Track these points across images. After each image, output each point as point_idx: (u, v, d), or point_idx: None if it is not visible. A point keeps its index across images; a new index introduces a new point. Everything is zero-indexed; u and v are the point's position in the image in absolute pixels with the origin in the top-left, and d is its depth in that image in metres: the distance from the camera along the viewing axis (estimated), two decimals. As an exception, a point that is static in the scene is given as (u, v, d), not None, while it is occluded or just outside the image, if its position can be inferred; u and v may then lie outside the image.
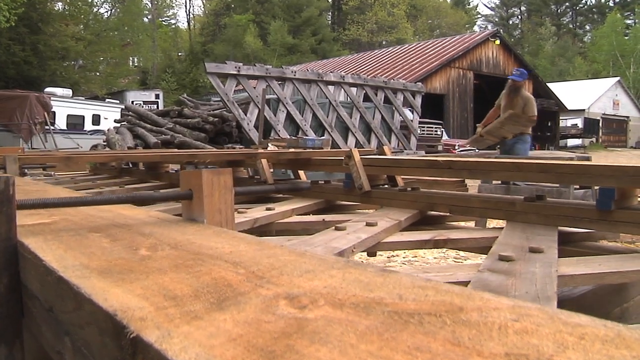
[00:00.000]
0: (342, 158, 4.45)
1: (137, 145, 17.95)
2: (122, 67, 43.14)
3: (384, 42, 65.15)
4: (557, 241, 2.60)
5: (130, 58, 51.75)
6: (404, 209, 3.61)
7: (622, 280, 2.26)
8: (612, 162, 23.43)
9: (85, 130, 23.99)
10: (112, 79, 40.60)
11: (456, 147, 23.78)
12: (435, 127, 23.94)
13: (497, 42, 35.23)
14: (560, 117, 40.86)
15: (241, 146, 16.42)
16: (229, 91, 16.05)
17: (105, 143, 19.10)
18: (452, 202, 3.42)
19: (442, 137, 24.31)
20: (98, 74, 39.84)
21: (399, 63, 35.35)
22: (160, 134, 18.52)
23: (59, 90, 24.39)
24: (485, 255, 3.79)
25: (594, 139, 43.95)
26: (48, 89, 24.46)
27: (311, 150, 5.09)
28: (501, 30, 62.27)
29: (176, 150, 8.15)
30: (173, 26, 70.55)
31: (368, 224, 2.99)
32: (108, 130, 19.80)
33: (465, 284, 2.02)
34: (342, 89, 18.99)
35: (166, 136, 18.20)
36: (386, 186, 4.13)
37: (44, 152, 5.72)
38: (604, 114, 47.32)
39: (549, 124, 40.21)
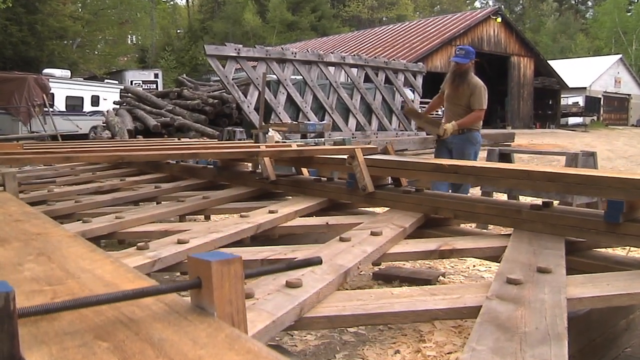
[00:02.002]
0: (346, 156, 4.42)
1: (137, 127, 17.88)
2: (120, 45, 42.80)
3: (384, 19, 64.60)
4: (564, 256, 2.57)
5: (129, 36, 51.35)
6: (408, 212, 3.57)
7: (630, 302, 2.24)
8: (612, 141, 23.23)
9: (84, 112, 23.84)
10: (111, 57, 40.33)
11: (457, 127, 23.64)
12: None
13: (499, 20, 34.88)
14: (562, 95, 40.69)
15: (241, 129, 16.32)
16: (229, 73, 15.91)
17: (104, 125, 19.03)
18: (457, 206, 3.39)
19: (443, 117, 24.17)
20: (97, 52, 39.57)
21: (400, 41, 35.07)
22: (159, 116, 18.44)
23: (57, 72, 24.19)
24: (489, 262, 3.77)
25: (595, 117, 43.75)
26: (46, 70, 24.26)
27: (314, 148, 5.03)
28: (502, 6, 61.70)
29: (176, 141, 8.07)
30: (171, 3, 69.99)
31: (373, 233, 2.96)
32: (107, 112, 19.69)
33: (475, 309, 2.00)
34: (343, 70, 18.84)
35: (166, 118, 18.13)
36: (390, 186, 4.09)
37: (44, 148, 5.66)
38: (605, 92, 47.06)
39: (550, 103, 40.04)
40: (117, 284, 1.04)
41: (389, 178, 4.18)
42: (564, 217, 2.88)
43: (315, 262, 1.30)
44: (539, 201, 3.18)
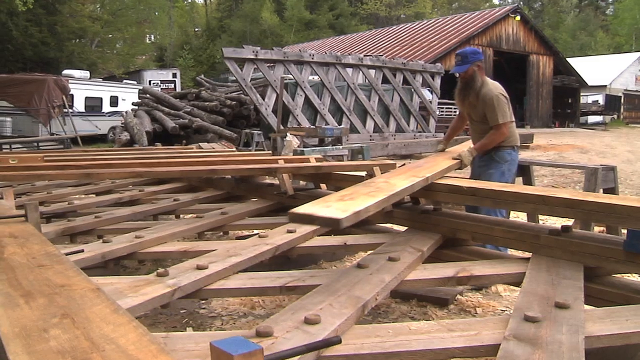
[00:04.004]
0: (364, 174, 4.43)
1: (156, 129, 17.99)
2: (138, 45, 43.02)
3: (402, 16, 64.40)
4: (582, 287, 2.56)
5: (147, 35, 51.59)
6: (426, 233, 3.58)
7: (650, 340, 2.22)
8: (632, 141, 22.89)
9: (103, 112, 24.08)
10: (129, 57, 40.59)
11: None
12: (455, 108, 23.68)
13: (518, 18, 34.60)
14: (581, 94, 40.33)
15: (259, 132, 16.40)
16: (247, 76, 15.96)
17: (123, 125, 19.19)
18: (475, 229, 3.39)
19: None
20: (115, 52, 39.84)
21: (418, 40, 34.94)
22: (178, 118, 18.54)
23: (76, 73, 24.42)
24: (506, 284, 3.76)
25: (615, 116, 43.36)
26: (66, 71, 24.49)
27: (332, 164, 5.05)
28: (521, 3, 61.19)
29: (194, 150, 8.13)
30: (189, 1, 70.20)
31: (390, 259, 2.97)
32: (126, 113, 19.85)
33: (492, 348, 2.00)
34: (361, 72, 18.81)
35: (184, 120, 18.22)
36: (408, 204, 4.09)
37: (64, 160, 5.72)
38: (625, 90, 46.54)
39: (569, 101, 39.72)
40: (141, 359, 1.06)
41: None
42: (582, 245, 2.86)
43: (335, 342, 1.32)
44: (557, 223, 3.17)
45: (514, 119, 5.00)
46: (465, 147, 5.14)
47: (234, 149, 13.58)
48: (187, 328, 3.56)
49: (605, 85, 44.37)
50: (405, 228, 3.87)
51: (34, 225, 2.41)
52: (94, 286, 1.53)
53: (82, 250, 3.02)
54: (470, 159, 4.75)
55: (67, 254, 2.92)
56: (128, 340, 1.16)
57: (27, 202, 2.50)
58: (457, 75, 5.09)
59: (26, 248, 2.00)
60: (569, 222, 3.86)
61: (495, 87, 4.93)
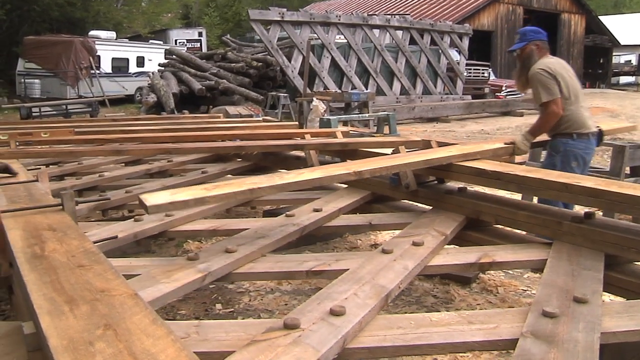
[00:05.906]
0: (389, 152, 4.47)
1: (182, 91, 18.06)
2: (164, 3, 42.81)
3: (430, -28, 63.21)
4: (602, 279, 2.61)
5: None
6: (450, 214, 3.63)
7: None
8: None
9: (129, 73, 24.15)
10: (155, 15, 40.42)
11: (503, 88, 23.22)
12: (482, 69, 23.35)
13: (549, -26, 33.86)
14: (613, 54, 39.40)
15: (285, 94, 16.39)
16: (273, 38, 15.92)
17: (149, 86, 19.28)
18: (499, 212, 3.43)
19: (489, 78, 23.73)
20: (141, 10, 39.67)
21: (446, -2, 34.38)
22: (204, 79, 18.59)
23: (103, 33, 24.42)
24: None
25: (648, 76, 42.46)
26: (92, 32, 24.49)
27: (358, 140, 5.08)
28: (554, -42, 59.38)
29: (222, 120, 8.17)
30: (215, -44, 69.37)
31: (414, 243, 3.03)
32: (153, 74, 19.89)
33: (510, 342, 2.07)
34: (388, 33, 18.63)
35: (210, 82, 18.27)
36: (433, 182, 4.14)
37: (95, 134, 5.82)
38: (660, 49, 45.44)
39: (601, 61, 38.85)
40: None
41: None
42: (604, 234, 2.90)
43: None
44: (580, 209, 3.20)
45: (578, 99, 4.57)
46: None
47: (260, 113, 13.65)
48: (216, 304, 3.69)
49: (639, 45, 43.25)
50: (430, 207, 3.93)
51: (70, 215, 2.51)
52: (132, 291, 1.62)
53: (117, 237, 3.14)
54: (527, 144, 4.46)
55: (102, 240, 3.04)
56: (167, 356, 1.24)
57: (64, 193, 2.59)
58: (516, 54, 4.87)
59: (65, 244, 2.10)
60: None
61: (540, 64, 4.58)
